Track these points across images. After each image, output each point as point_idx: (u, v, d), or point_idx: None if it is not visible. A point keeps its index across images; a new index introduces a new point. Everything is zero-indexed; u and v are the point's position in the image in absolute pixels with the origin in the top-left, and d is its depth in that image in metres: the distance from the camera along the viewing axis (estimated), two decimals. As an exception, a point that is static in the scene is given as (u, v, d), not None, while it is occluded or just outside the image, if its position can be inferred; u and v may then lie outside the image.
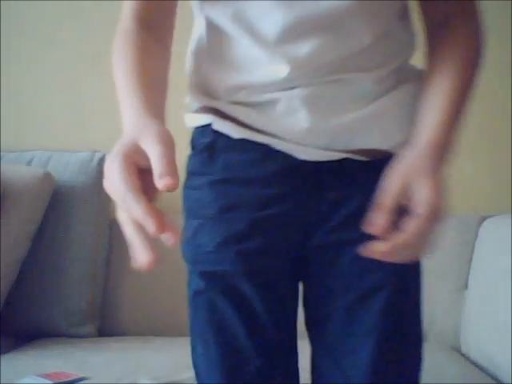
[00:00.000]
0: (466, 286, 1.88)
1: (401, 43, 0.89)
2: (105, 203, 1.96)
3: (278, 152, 0.87)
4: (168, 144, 0.67)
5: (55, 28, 2.21)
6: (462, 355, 1.78)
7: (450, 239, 1.91)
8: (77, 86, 2.20)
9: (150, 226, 0.63)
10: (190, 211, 0.92)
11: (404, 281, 0.88)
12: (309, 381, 0.95)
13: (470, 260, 1.89)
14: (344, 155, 0.86)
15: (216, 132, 0.89)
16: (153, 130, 0.69)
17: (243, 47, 0.86)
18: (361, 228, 0.78)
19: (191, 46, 0.94)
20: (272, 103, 0.86)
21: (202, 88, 0.91)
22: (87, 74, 2.18)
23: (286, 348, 0.92)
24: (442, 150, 0.82)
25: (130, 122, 0.74)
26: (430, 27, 0.90)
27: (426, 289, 1.85)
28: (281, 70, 0.84)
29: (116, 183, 0.66)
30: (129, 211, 0.65)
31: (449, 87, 0.84)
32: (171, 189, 0.63)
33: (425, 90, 0.86)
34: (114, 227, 2.00)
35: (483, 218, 1.93)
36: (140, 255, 0.65)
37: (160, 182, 0.64)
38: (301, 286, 0.94)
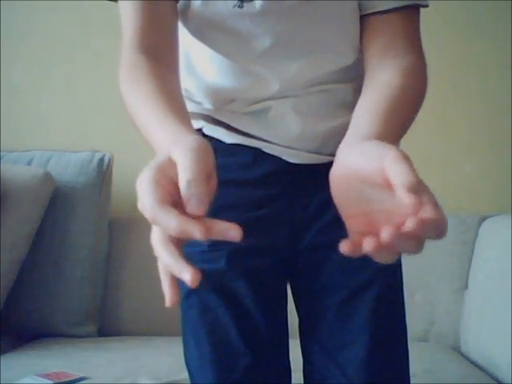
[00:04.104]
0: (466, 286, 1.88)
1: None
2: (105, 203, 1.95)
3: (269, 155, 0.91)
4: (200, 151, 0.60)
5: (55, 28, 2.21)
6: (462, 355, 1.78)
7: (450, 239, 1.91)
8: (77, 86, 2.20)
9: (196, 231, 0.55)
10: None
11: (392, 276, 0.93)
12: (301, 381, 0.96)
13: (470, 260, 1.89)
14: (332, 159, 0.87)
15: (207, 136, 0.92)
16: (186, 140, 0.62)
17: (230, 62, 0.90)
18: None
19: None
20: (264, 111, 0.91)
21: (189, 97, 0.95)
22: (87, 74, 2.18)
23: (277, 346, 0.93)
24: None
25: (166, 140, 0.69)
26: (371, 57, 0.89)
27: (425, 289, 1.87)
28: (271, 87, 0.90)
29: (144, 196, 0.58)
30: (163, 226, 0.57)
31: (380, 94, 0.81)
32: (198, 213, 0.56)
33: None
34: (113, 227, 2.01)
35: (483, 218, 1.93)
36: (168, 291, 0.61)
37: (186, 203, 0.56)
38: (289, 286, 0.97)
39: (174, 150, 0.60)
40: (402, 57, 0.85)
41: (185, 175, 0.57)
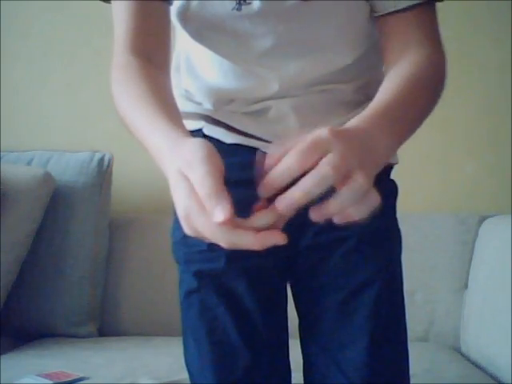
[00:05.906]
0: (465, 286, 1.88)
1: (375, 60, 0.93)
2: (105, 203, 1.95)
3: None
4: (208, 158, 0.63)
5: (55, 28, 2.21)
6: (462, 355, 1.79)
7: (450, 239, 1.91)
8: (77, 86, 2.20)
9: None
10: None
11: (391, 276, 0.93)
12: (301, 380, 0.96)
13: (470, 260, 1.89)
14: None
15: (206, 136, 0.93)
16: (189, 148, 0.64)
17: (230, 63, 0.90)
18: (349, 227, 0.80)
19: (176, 59, 0.97)
20: (264, 111, 0.92)
21: (190, 97, 0.96)
22: (87, 74, 2.18)
23: (277, 346, 0.94)
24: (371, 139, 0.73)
25: (162, 146, 0.69)
26: (390, 55, 0.88)
27: (425, 289, 1.87)
28: (271, 87, 0.90)
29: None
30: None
31: (392, 89, 0.80)
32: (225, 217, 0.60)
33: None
34: (113, 227, 2.01)
35: (483, 218, 1.93)
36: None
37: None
38: (289, 286, 0.97)
39: (187, 167, 0.62)
40: (418, 50, 0.84)
41: (203, 190, 0.60)
